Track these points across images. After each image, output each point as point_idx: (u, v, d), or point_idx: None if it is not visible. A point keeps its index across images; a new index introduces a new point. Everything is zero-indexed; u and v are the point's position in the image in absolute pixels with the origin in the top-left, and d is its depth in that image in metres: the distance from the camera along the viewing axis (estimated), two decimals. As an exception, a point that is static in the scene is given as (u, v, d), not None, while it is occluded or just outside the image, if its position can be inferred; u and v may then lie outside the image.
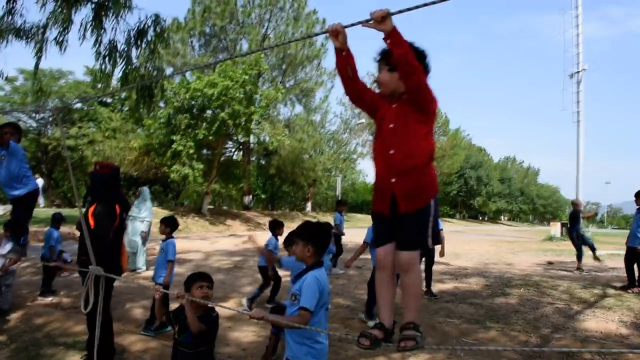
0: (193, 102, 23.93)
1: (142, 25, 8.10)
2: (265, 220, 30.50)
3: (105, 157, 27.14)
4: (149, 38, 8.06)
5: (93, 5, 7.84)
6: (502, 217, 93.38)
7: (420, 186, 2.43)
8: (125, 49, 8.04)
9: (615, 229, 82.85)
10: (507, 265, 12.66)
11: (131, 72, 8.03)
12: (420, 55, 2.43)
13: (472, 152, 69.76)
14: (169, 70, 29.75)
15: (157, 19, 8.19)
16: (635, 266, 8.79)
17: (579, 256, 11.89)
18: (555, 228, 29.36)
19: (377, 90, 2.65)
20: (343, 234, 11.56)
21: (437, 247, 8.28)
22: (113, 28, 8.01)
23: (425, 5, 2.13)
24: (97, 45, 7.89)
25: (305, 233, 3.16)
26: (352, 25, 2.34)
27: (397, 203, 2.42)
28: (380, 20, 2.18)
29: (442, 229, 8.27)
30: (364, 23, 2.24)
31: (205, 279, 3.47)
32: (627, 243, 9.05)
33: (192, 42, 31.76)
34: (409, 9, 2.17)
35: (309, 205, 44.75)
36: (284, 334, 3.48)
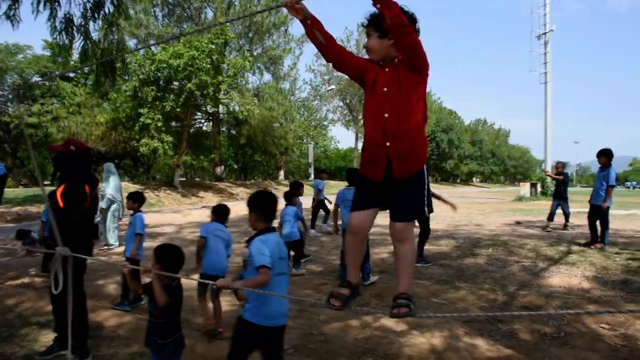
0: (159, 74, 23.47)
1: (98, -3, 7.84)
2: (239, 191, 30.46)
3: (70, 133, 26.56)
4: (107, 11, 7.82)
5: (45, -23, 7.55)
6: (474, 179, 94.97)
7: (415, 150, 2.43)
8: (83, 23, 7.78)
9: (584, 187, 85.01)
10: (477, 226, 12.93)
11: (90, 47, 7.79)
12: (410, 18, 2.40)
13: (443, 115, 70.35)
14: (131, 42, 29.07)
15: (114, -10, 7.93)
16: (598, 223, 9.07)
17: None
18: (525, 188, 30.06)
19: (366, 57, 2.63)
20: (322, 200, 12.25)
21: (432, 216, 8.39)
22: (68, 1, 7.74)
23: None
24: (51, 20, 7.61)
25: (250, 201, 3.31)
26: None
27: (392, 167, 2.42)
28: None
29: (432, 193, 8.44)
30: None
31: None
32: (590, 201, 9.32)
33: (155, 11, 31.01)
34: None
35: (281, 173, 44.80)
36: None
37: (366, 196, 2.55)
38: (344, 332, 4.79)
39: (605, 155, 9.04)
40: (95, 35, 7.97)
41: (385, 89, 2.42)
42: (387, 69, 2.46)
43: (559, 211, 12.03)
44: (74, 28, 7.81)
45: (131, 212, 6.09)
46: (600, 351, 4.21)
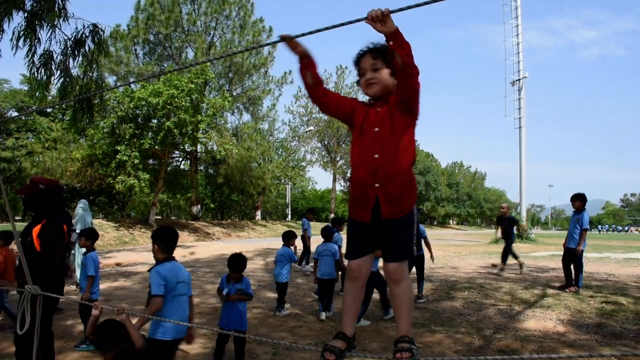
0: (138, 111, 23.44)
1: (79, 35, 7.81)
2: (214, 230, 30.17)
3: (45, 169, 26.16)
4: (87, 48, 7.78)
5: (26, 14, 7.52)
6: (450, 221, 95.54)
7: (404, 191, 2.38)
8: (62, 60, 7.74)
9: (559, 229, 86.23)
10: (453, 268, 12.95)
11: (70, 83, 7.73)
12: None
13: (420, 157, 71.20)
14: (111, 79, 29.10)
15: (94, 29, 7.90)
16: (572, 266, 9.15)
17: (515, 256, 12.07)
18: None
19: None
20: (308, 237, 12.78)
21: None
22: (49, 38, 7.71)
23: (418, 5, 2.05)
24: (30, 56, 7.55)
25: (155, 234, 3.76)
26: (305, 34, 2.32)
27: (380, 209, 2.37)
28: (381, 19, 2.10)
29: (425, 236, 8.49)
30: (368, 20, 2.13)
31: None
32: (564, 244, 9.43)
33: (135, 49, 31.17)
34: (409, 7, 2.05)
35: (258, 213, 44.57)
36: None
37: (360, 243, 2.49)
38: (319, 376, 4.68)
39: (579, 200, 9.20)
40: (74, 71, 7.94)
41: (377, 129, 2.38)
42: (379, 109, 2.42)
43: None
44: (54, 64, 7.77)
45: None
46: (577, 397, 4.18)
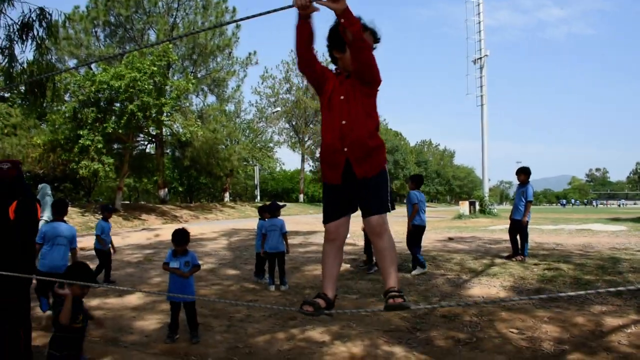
0: (100, 95, 23.10)
1: (26, 19, 7.79)
2: (182, 213, 30.13)
3: (4, 155, 25.65)
4: (36, 32, 7.76)
5: (-33, -1, 7.43)
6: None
7: (372, 151, 2.56)
8: (8, 45, 7.71)
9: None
10: (410, 242, 13.31)
11: (19, 69, 7.70)
12: (373, 33, 2.61)
13: (389, 136, 71.71)
14: (72, 62, 28.53)
15: (42, 13, 7.88)
16: (518, 237, 9.58)
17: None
18: (464, 207, 31.12)
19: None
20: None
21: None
22: (-7, 23, 7.63)
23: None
24: (-28, 42, 7.49)
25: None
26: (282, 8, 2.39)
27: (353, 169, 2.53)
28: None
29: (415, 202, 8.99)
30: (318, 1, 2.31)
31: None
32: (510, 216, 9.86)
33: (96, 32, 30.54)
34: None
35: (227, 195, 44.54)
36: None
37: (334, 206, 2.63)
38: (269, 344, 4.95)
39: (524, 173, 9.61)
40: (24, 56, 7.92)
41: (342, 97, 2.57)
42: (346, 79, 2.61)
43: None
44: (-1, 49, 7.71)
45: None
46: (507, 353, 4.54)
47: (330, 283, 2.64)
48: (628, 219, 24.87)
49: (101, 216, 8.87)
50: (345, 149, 2.53)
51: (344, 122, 2.54)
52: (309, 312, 2.42)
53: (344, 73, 2.64)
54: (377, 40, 2.67)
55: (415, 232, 8.66)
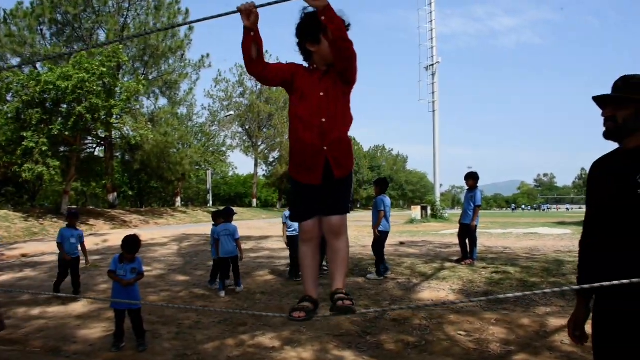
0: (46, 96, 22.31)
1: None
2: (132, 218, 29.41)
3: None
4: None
5: None
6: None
7: (348, 153, 2.52)
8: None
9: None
10: (362, 247, 13.39)
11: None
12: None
13: (342, 141, 72.05)
14: (14, 61, 27.51)
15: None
16: (467, 241, 9.79)
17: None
18: (416, 211, 31.64)
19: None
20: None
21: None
22: None
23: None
24: None
25: None
26: (266, 5, 2.34)
27: (332, 170, 2.45)
28: None
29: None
30: None
31: None
32: (460, 221, 10.06)
33: (41, 30, 29.48)
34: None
35: (178, 200, 43.84)
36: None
37: (310, 204, 2.54)
38: (218, 350, 4.87)
39: (472, 178, 9.83)
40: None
41: (322, 94, 2.45)
42: (324, 76, 2.49)
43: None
44: None
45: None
46: (455, 356, 4.61)
47: (312, 284, 2.56)
48: (572, 222, 25.82)
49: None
50: (325, 148, 2.44)
51: (324, 119, 2.43)
52: (301, 318, 2.35)
53: (320, 69, 2.53)
54: (347, 28, 2.55)
55: (381, 238, 8.70)
